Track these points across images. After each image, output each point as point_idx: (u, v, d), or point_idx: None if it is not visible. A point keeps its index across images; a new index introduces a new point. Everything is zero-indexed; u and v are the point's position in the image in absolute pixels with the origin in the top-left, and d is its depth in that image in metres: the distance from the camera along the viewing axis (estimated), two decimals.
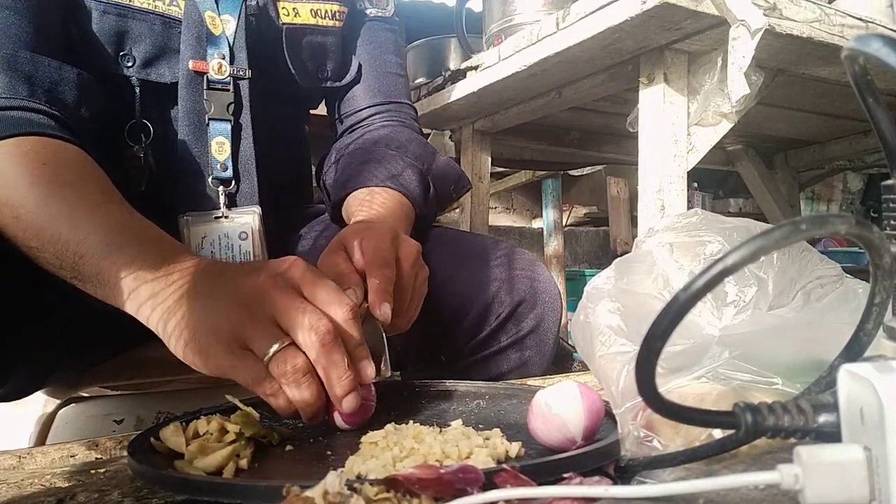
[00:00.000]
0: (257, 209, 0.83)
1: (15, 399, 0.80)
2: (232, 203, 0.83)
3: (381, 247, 0.62)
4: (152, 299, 0.55)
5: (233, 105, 0.81)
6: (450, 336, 0.82)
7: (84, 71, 0.72)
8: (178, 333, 0.54)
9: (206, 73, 0.80)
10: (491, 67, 1.32)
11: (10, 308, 0.66)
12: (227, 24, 0.82)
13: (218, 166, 0.81)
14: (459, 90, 1.43)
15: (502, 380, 0.82)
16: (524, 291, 0.82)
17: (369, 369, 0.54)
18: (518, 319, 0.82)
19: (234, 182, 0.82)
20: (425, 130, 1.73)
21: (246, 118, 0.83)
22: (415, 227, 0.83)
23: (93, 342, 0.82)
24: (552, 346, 0.84)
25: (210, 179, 0.81)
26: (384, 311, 0.58)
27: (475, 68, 1.38)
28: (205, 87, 0.80)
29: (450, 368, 0.83)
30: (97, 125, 0.74)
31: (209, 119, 0.81)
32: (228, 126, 0.81)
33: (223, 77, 0.81)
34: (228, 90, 0.81)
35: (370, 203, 0.80)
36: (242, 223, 0.82)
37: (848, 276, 0.49)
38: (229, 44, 0.82)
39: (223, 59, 0.81)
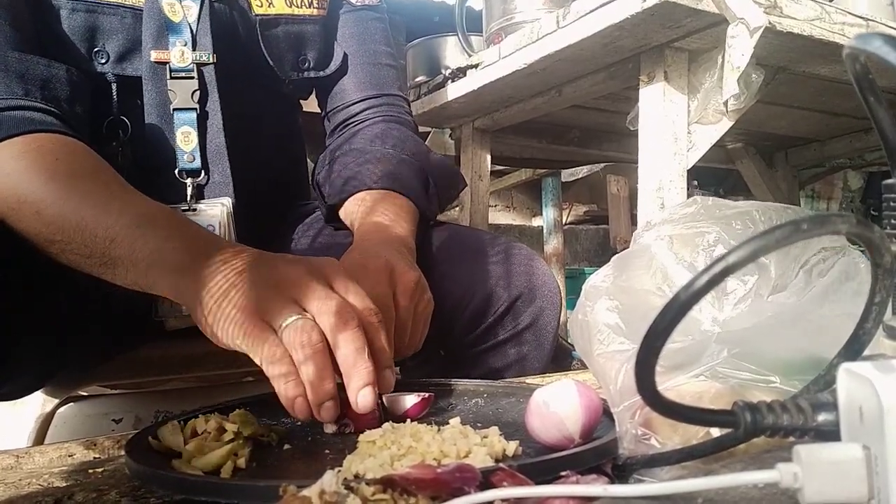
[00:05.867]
0: (226, 201, 0.81)
1: (16, 398, 0.80)
2: (201, 195, 0.81)
3: (376, 290, 0.60)
4: (188, 276, 0.55)
5: (198, 92, 0.80)
6: (448, 330, 0.81)
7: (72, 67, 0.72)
8: (205, 304, 0.53)
9: (168, 63, 0.79)
10: (491, 66, 1.32)
11: (22, 308, 0.66)
12: (188, 10, 0.80)
13: (185, 157, 0.80)
14: (459, 88, 1.43)
15: (501, 374, 0.82)
16: (522, 286, 0.82)
17: (391, 378, 0.53)
18: (516, 314, 0.82)
19: (203, 173, 0.81)
20: (425, 128, 1.73)
21: (213, 106, 0.81)
22: (418, 225, 0.82)
23: (94, 342, 0.82)
24: (551, 341, 0.84)
25: (177, 171, 0.80)
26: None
27: (475, 66, 1.38)
28: (168, 77, 0.79)
29: (448, 362, 0.83)
30: (88, 122, 0.74)
31: (174, 109, 0.79)
32: (194, 115, 0.80)
33: (186, 64, 0.79)
34: (192, 77, 0.79)
35: (371, 210, 0.79)
36: (210, 216, 0.79)
37: (851, 247, 0.48)
38: (191, 30, 0.80)
39: (185, 45, 0.79)
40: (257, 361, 0.51)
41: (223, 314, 0.52)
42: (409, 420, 0.51)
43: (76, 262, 0.61)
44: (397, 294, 0.63)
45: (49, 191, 0.62)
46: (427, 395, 0.57)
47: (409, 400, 0.56)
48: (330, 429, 0.53)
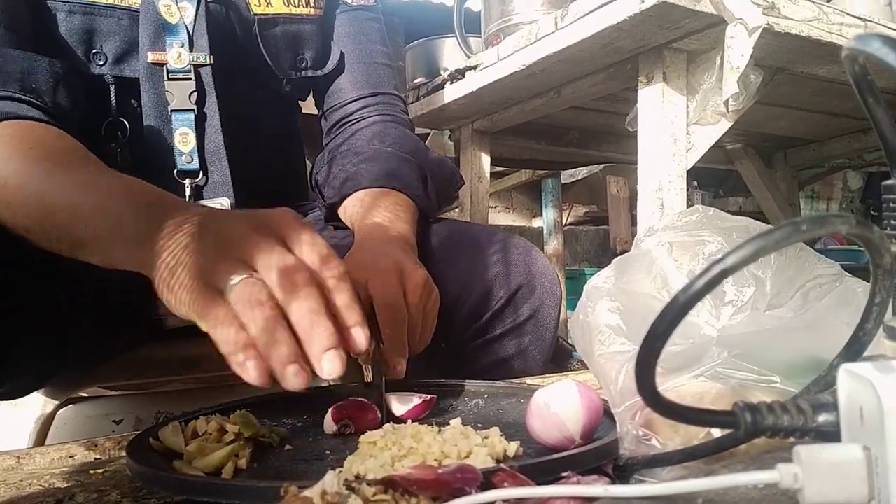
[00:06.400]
0: (225, 201, 0.81)
1: (16, 397, 0.81)
2: (200, 196, 0.81)
3: (388, 290, 0.60)
4: (146, 245, 0.51)
5: (195, 94, 0.80)
6: (449, 323, 0.82)
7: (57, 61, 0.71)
8: (160, 273, 0.50)
9: (165, 64, 0.79)
10: (490, 67, 1.32)
11: (22, 308, 0.66)
12: (185, 12, 0.80)
13: (183, 158, 0.80)
14: (458, 90, 1.43)
15: (503, 367, 0.82)
16: (521, 279, 0.82)
17: (362, 336, 0.47)
18: (516, 307, 0.82)
19: (201, 174, 0.81)
20: (425, 130, 1.74)
21: (211, 107, 0.81)
22: (418, 222, 0.82)
23: (93, 339, 0.82)
24: (552, 333, 0.84)
25: (175, 172, 0.80)
26: (399, 369, 0.57)
27: (474, 68, 1.38)
28: (166, 79, 0.79)
29: (450, 357, 0.83)
30: (79, 115, 0.74)
31: (172, 110, 0.79)
32: (192, 116, 0.80)
33: (183, 66, 0.79)
34: (190, 79, 0.80)
35: (372, 209, 0.79)
36: None
37: (847, 275, 0.48)
38: (188, 31, 0.80)
39: (182, 47, 0.79)
40: (205, 329, 0.47)
41: (175, 281, 0.49)
42: (409, 421, 0.52)
43: (54, 248, 0.59)
44: (407, 294, 0.62)
45: (21, 175, 0.60)
46: (429, 396, 0.57)
47: (411, 401, 0.56)
48: (331, 429, 0.53)
